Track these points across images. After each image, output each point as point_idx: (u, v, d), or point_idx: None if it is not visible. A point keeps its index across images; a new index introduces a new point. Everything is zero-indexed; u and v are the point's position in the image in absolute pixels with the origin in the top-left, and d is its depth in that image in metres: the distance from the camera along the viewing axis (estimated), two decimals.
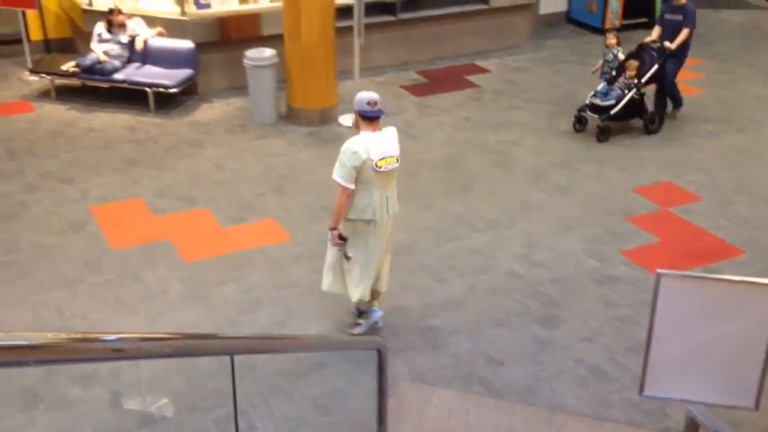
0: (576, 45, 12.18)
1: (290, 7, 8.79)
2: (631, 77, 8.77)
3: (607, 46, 9.17)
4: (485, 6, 11.26)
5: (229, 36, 9.78)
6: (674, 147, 8.85)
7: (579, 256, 6.78)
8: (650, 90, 9.14)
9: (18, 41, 10.34)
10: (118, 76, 9.40)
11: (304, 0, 8.65)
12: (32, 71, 9.87)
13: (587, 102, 8.85)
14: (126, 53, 9.53)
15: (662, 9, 9.21)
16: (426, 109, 9.74)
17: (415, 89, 10.35)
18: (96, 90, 9.69)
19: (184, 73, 9.44)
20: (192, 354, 2.79)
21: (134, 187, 7.76)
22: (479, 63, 11.25)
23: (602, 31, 12.18)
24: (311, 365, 5.37)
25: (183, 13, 9.57)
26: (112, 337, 2.11)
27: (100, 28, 9.49)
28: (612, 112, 8.68)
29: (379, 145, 5.14)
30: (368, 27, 9.22)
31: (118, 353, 2.18)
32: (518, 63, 11.32)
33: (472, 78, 10.73)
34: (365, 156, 5.08)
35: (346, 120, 9.28)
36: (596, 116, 8.79)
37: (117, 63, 9.45)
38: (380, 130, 5.21)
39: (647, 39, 8.96)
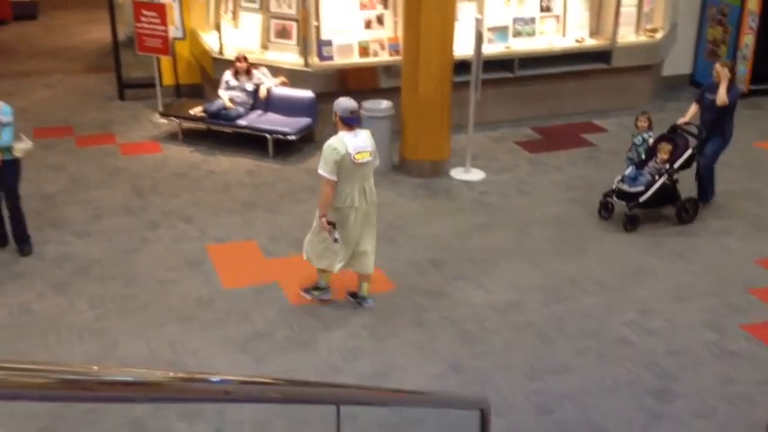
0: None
1: (410, 61, 8.96)
2: (663, 161, 7.99)
3: (637, 128, 8.44)
4: (605, 66, 11.11)
5: (348, 87, 10.02)
6: None
7: (696, 328, 6.46)
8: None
9: (151, 86, 10.98)
10: (241, 122, 9.80)
11: (423, 55, 8.80)
12: (162, 114, 10.44)
13: (614, 187, 8.06)
14: (250, 100, 9.94)
15: (702, 88, 8.53)
16: (540, 166, 9.63)
17: (529, 145, 10.26)
18: (220, 134, 10.12)
19: (303, 121, 9.74)
20: (298, 401, 2.80)
21: (249, 229, 7.99)
22: (597, 122, 11.05)
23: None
24: (410, 420, 5.31)
25: (307, 64, 9.91)
26: (219, 378, 2.15)
27: (227, 75, 9.95)
28: (641, 199, 7.88)
29: (356, 142, 6.12)
30: (484, 82, 9.26)
31: (225, 395, 2.22)
32: None
33: (588, 137, 10.55)
34: (343, 151, 6.05)
35: (459, 173, 9.31)
36: (623, 203, 7.99)
37: (241, 110, 9.86)
38: (356, 130, 6.16)
39: (680, 120, 8.27)
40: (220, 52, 10.38)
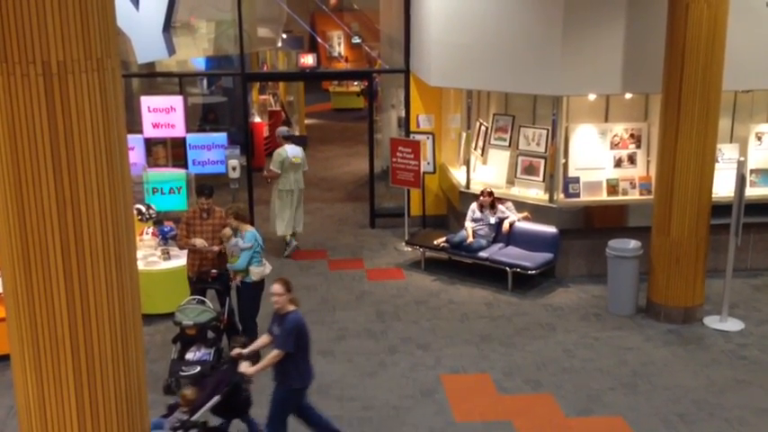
0: None
1: (662, 202, 8.63)
2: (187, 408, 6.05)
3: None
4: None
5: (593, 224, 9.83)
6: None
7: None
8: None
9: (400, 215, 11.54)
10: (482, 254, 9.90)
11: (678, 196, 8.45)
12: (408, 243, 10.87)
13: None
14: (492, 233, 10.05)
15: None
16: None
17: None
18: (460, 265, 10.28)
19: (545, 256, 9.63)
20: None
21: (483, 362, 7.89)
22: None
23: None
24: None
25: (552, 200, 9.90)
26: None
27: (473, 208, 10.20)
28: None
29: (292, 151, 10.67)
30: (746, 226, 8.63)
31: None
32: None
33: None
34: (285, 155, 10.58)
35: (714, 321, 8.62)
36: None
37: (483, 242, 9.99)
38: (292, 145, 10.75)
39: (236, 350, 6.27)
40: (467, 186, 10.71)
